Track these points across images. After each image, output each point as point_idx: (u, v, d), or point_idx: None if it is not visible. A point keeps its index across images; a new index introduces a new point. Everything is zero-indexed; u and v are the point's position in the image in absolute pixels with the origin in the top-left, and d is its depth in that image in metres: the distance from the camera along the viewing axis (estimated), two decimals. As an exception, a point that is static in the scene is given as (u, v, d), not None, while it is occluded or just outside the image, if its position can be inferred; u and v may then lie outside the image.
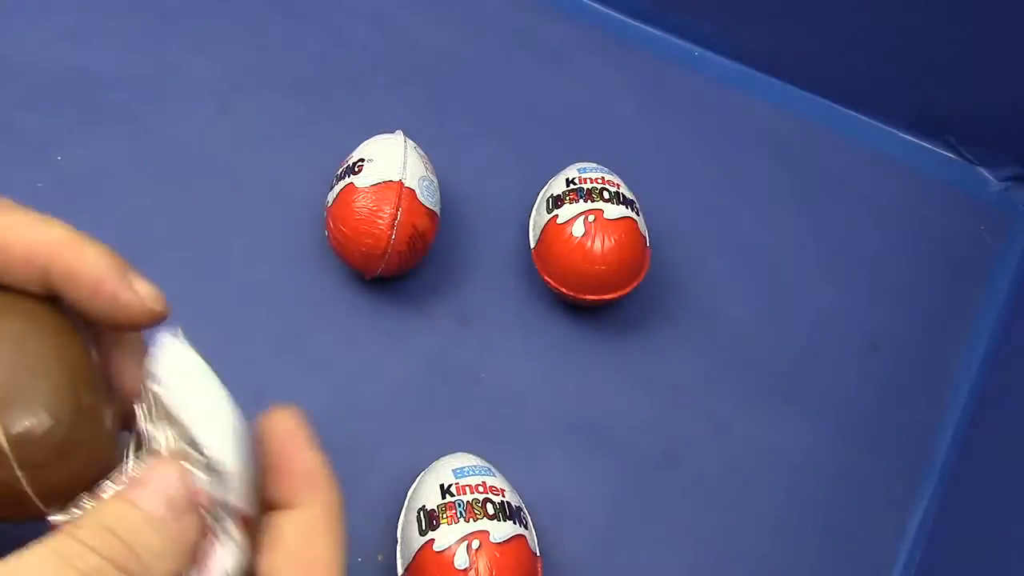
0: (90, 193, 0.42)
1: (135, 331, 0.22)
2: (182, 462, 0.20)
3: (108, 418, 0.21)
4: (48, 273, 0.21)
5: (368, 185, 0.38)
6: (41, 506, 0.19)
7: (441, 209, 0.42)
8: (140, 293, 0.21)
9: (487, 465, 0.36)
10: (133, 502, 0.19)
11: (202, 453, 0.20)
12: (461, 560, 0.32)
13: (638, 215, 0.41)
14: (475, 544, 0.32)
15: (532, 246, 0.42)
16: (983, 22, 0.45)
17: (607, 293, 0.41)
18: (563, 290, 0.41)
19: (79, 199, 0.42)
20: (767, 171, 0.49)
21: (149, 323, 0.21)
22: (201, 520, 0.20)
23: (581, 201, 0.40)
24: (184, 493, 0.20)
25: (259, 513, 0.21)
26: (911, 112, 0.50)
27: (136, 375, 0.22)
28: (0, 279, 0.21)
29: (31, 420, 0.19)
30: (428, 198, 0.40)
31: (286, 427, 0.22)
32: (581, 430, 0.41)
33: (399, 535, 0.35)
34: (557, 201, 0.41)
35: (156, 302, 0.21)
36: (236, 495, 0.20)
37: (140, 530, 0.19)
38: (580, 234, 0.40)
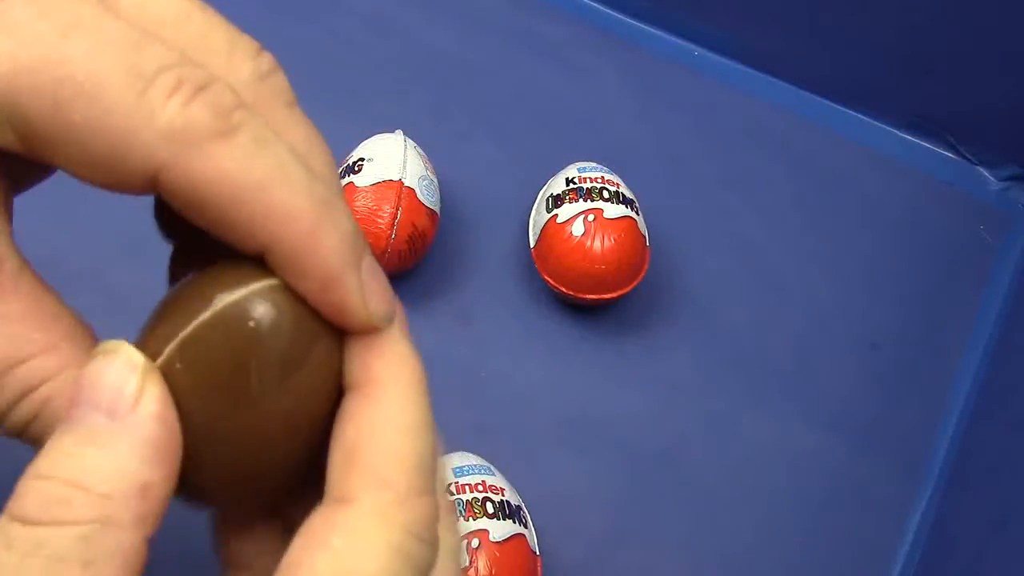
0: (90, 193, 0.42)
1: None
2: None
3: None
4: (272, 244, 0.16)
5: (368, 184, 0.38)
6: None
7: (441, 209, 0.42)
8: (369, 308, 0.16)
9: (487, 464, 0.36)
10: (63, 431, 0.15)
11: None
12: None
13: (638, 215, 0.41)
14: (475, 543, 0.32)
15: (532, 245, 0.42)
16: (983, 22, 0.45)
17: (607, 293, 0.41)
18: (563, 289, 0.41)
19: (81, 200, 0.42)
20: (767, 171, 0.49)
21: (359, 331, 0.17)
22: (164, 403, 0.15)
23: (581, 200, 0.40)
24: (126, 378, 0.15)
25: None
26: (911, 112, 0.50)
27: None
28: (214, 224, 0.16)
29: None
30: (428, 197, 0.40)
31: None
32: (581, 429, 0.41)
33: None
34: (557, 200, 0.41)
35: (383, 319, 0.17)
36: None
37: (87, 456, 0.15)
38: (580, 233, 0.40)
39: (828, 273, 0.46)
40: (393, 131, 0.42)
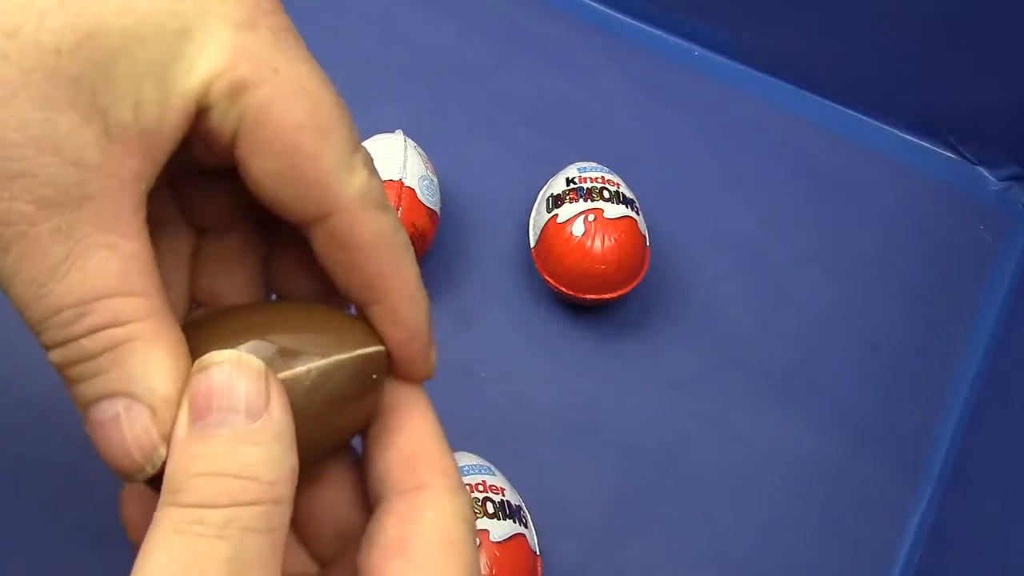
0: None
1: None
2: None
3: None
4: (370, 298, 0.20)
5: (368, 184, 0.38)
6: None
7: (441, 209, 0.42)
8: (429, 365, 0.22)
9: (487, 464, 0.36)
10: (213, 433, 0.17)
11: None
12: (461, 559, 0.32)
13: (638, 214, 0.41)
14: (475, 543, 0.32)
15: (532, 245, 0.42)
16: (983, 22, 0.45)
17: (607, 292, 0.41)
18: (563, 289, 0.41)
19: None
20: (767, 171, 0.49)
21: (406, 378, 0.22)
22: (285, 400, 0.18)
23: (581, 200, 0.40)
24: (257, 385, 0.18)
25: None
26: (911, 112, 0.50)
27: None
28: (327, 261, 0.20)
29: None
30: (428, 197, 0.40)
31: (422, 412, 0.22)
32: (581, 429, 0.41)
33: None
34: (557, 200, 0.41)
35: (429, 375, 0.22)
36: None
37: (242, 453, 0.17)
38: (580, 233, 0.40)
39: (828, 273, 0.46)
40: (393, 131, 0.42)
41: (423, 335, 0.21)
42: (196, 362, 0.18)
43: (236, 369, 0.18)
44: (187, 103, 0.18)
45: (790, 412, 0.42)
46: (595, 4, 0.53)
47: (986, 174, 0.51)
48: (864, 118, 0.52)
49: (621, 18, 0.53)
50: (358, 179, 0.20)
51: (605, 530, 0.39)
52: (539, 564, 0.35)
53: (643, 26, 0.53)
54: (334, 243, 0.20)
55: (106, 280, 0.18)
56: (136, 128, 0.18)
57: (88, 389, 0.18)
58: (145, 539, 0.17)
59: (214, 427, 0.17)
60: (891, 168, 0.50)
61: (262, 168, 0.19)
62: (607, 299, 0.41)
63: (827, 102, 0.52)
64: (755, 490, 0.40)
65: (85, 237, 0.17)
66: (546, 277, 0.41)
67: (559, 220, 0.40)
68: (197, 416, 0.18)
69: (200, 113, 0.18)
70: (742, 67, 0.52)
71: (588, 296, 0.41)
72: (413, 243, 0.40)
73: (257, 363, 0.18)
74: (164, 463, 0.18)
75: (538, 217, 0.42)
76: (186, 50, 0.18)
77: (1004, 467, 0.39)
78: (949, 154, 0.51)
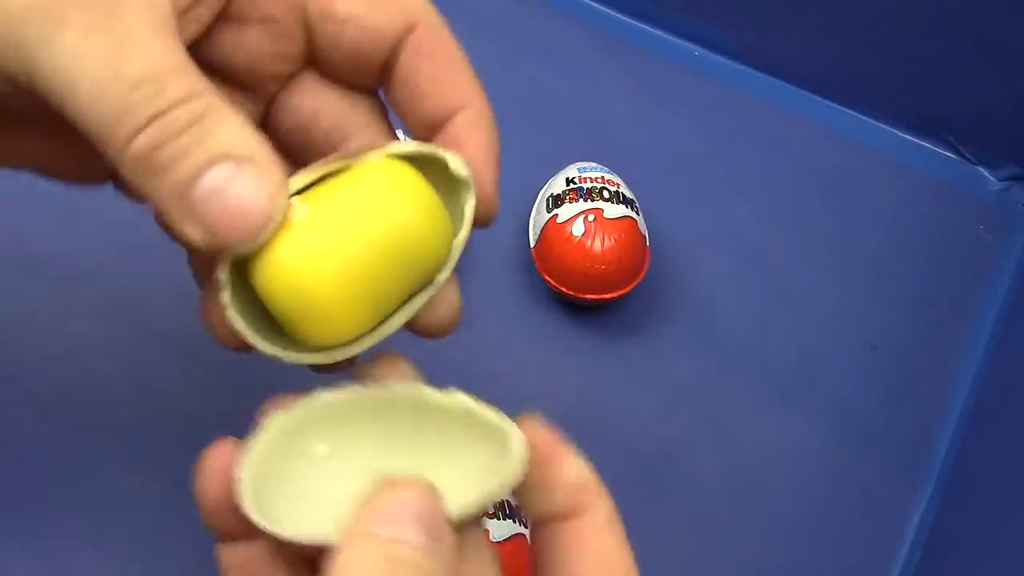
0: (90, 193, 0.42)
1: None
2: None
3: None
4: (459, 103, 0.24)
5: (368, 184, 0.38)
6: None
7: (441, 209, 0.42)
8: (495, 184, 0.23)
9: (487, 464, 0.36)
10: (395, 538, 0.18)
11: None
12: (461, 559, 0.32)
13: (638, 214, 0.41)
14: (475, 543, 0.32)
15: (532, 245, 0.42)
16: (983, 22, 0.45)
17: (607, 292, 0.41)
18: (563, 289, 0.41)
19: (81, 200, 0.42)
20: (767, 171, 0.49)
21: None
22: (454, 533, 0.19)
23: (581, 200, 0.40)
24: (435, 510, 0.19)
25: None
26: (911, 112, 0.50)
27: None
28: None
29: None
30: (428, 198, 0.40)
31: (545, 438, 0.23)
32: (580, 429, 0.41)
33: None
34: (557, 200, 0.41)
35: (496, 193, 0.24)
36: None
37: (424, 565, 0.18)
38: (580, 233, 0.40)
39: (828, 273, 0.46)
40: (393, 131, 0.42)
41: (495, 157, 0.23)
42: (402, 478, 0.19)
43: (431, 497, 0.19)
44: None
45: (790, 412, 0.42)
46: (595, 4, 0.53)
47: (986, 174, 0.51)
48: (864, 118, 0.51)
49: (621, 18, 0.53)
50: (430, 2, 0.22)
51: (605, 530, 0.39)
52: (539, 564, 0.35)
53: (643, 26, 0.53)
54: (421, 52, 0.22)
55: (171, 58, 0.18)
56: None
57: (187, 164, 0.18)
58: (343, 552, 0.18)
59: (399, 535, 0.18)
60: (891, 168, 0.50)
61: (348, 2, 0.21)
62: (607, 299, 0.41)
63: (827, 102, 0.52)
64: (755, 490, 0.40)
65: (137, 25, 0.18)
66: (546, 277, 0.41)
67: (559, 220, 0.40)
68: (381, 519, 0.18)
69: None
70: (742, 67, 0.52)
71: (588, 296, 0.41)
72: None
73: (442, 495, 0.19)
74: (278, 230, 0.19)
75: (538, 217, 0.42)
76: None
77: (1004, 467, 0.39)
78: (949, 154, 0.51)
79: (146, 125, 0.17)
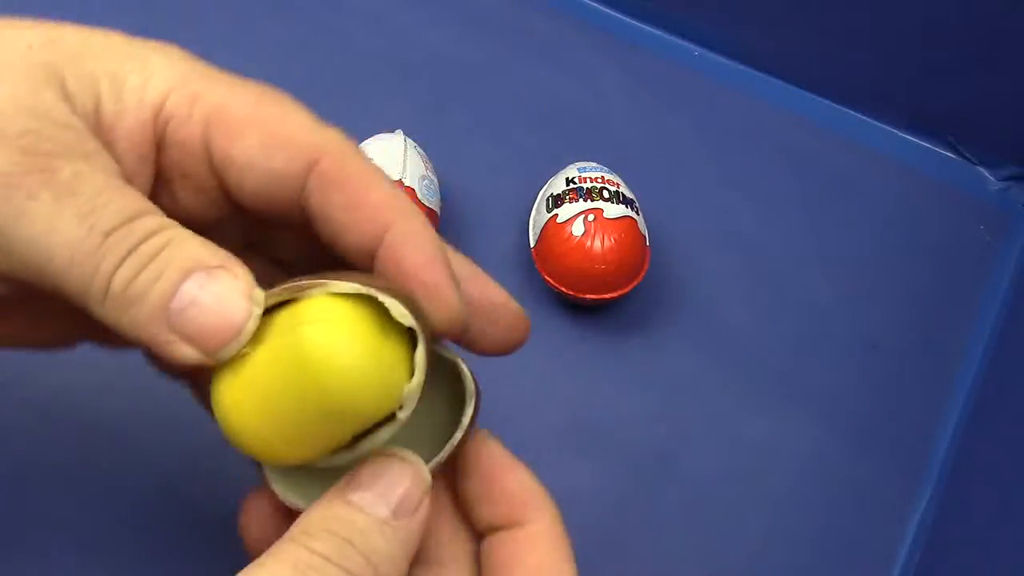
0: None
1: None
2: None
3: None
4: (379, 230, 0.21)
5: (368, 185, 0.38)
6: None
7: (441, 209, 0.42)
8: (456, 301, 0.22)
9: (487, 464, 0.36)
10: (361, 507, 0.20)
11: None
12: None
13: (638, 214, 0.41)
14: (475, 543, 0.32)
15: (532, 245, 0.42)
16: (983, 21, 0.45)
17: (607, 292, 0.41)
18: (563, 289, 0.41)
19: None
20: (767, 171, 0.49)
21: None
22: (428, 515, 0.20)
23: (581, 200, 0.40)
24: (415, 493, 0.20)
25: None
26: (911, 112, 0.50)
27: None
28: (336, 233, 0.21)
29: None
30: (428, 197, 0.40)
31: (491, 450, 0.23)
32: (581, 429, 0.41)
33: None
34: (557, 200, 0.41)
35: (460, 312, 0.22)
36: None
37: (372, 537, 0.19)
38: (580, 233, 0.40)
39: (828, 273, 0.46)
40: (393, 131, 0.42)
41: (442, 259, 0.22)
42: (384, 448, 0.20)
43: (410, 477, 0.20)
44: (142, 109, 0.20)
45: (790, 412, 0.42)
46: (595, 4, 0.53)
47: (986, 174, 0.51)
48: (864, 118, 0.51)
49: (621, 18, 0.53)
50: (332, 132, 0.21)
51: (604, 529, 0.39)
52: (539, 564, 0.35)
53: (643, 26, 0.53)
54: (328, 186, 0.21)
55: (136, 204, 0.20)
56: (95, 120, 0.20)
57: (161, 284, 0.19)
58: (263, 559, 0.19)
59: (365, 505, 0.20)
60: (891, 168, 0.50)
61: (243, 150, 0.21)
62: (607, 299, 0.41)
63: (827, 102, 0.52)
64: (755, 490, 0.40)
65: (105, 179, 0.19)
66: (546, 277, 0.41)
67: (559, 220, 0.40)
68: (356, 486, 0.20)
69: (163, 122, 0.21)
70: (742, 67, 0.52)
71: (588, 296, 0.41)
72: (413, 243, 0.40)
73: (426, 477, 0.21)
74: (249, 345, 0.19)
75: (538, 217, 0.42)
76: (140, 69, 0.21)
77: (1004, 467, 0.39)
78: (949, 154, 0.51)
79: (121, 263, 0.19)
